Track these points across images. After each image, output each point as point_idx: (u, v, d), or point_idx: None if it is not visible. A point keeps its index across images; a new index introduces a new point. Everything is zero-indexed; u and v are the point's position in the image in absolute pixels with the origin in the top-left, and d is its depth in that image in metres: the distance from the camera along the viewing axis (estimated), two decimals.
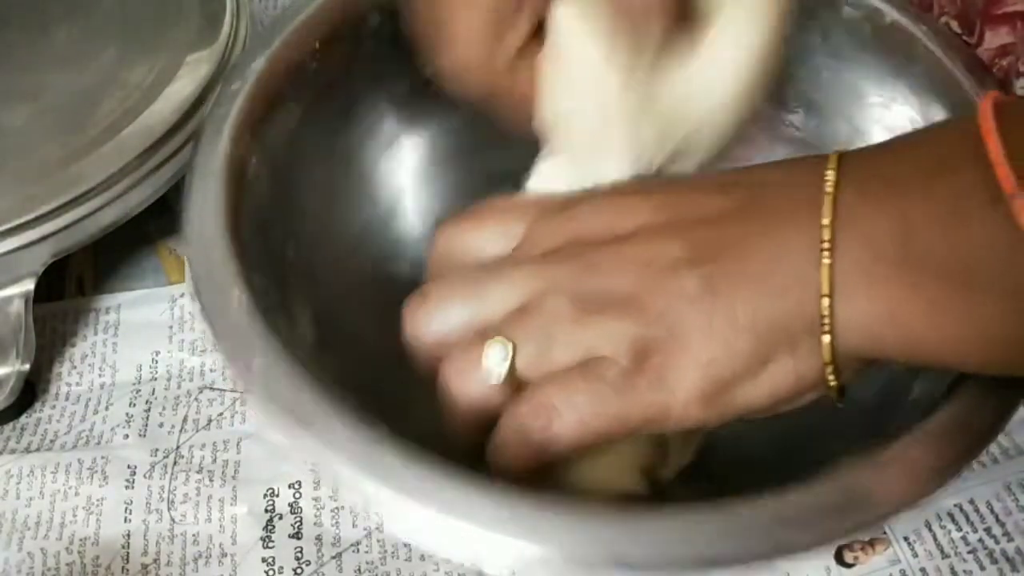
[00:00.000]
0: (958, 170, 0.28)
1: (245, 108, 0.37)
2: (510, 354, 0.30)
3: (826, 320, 0.28)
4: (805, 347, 0.29)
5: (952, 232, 0.27)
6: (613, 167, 0.34)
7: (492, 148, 0.44)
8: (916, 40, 0.40)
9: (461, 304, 0.32)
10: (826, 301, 0.28)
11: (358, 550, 0.40)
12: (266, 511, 0.41)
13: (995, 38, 0.46)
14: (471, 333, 0.31)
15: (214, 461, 0.43)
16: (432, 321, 0.32)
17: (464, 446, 0.33)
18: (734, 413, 0.30)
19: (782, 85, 0.42)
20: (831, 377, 0.29)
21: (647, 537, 0.28)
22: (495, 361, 0.30)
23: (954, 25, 0.47)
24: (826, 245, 0.28)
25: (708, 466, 0.37)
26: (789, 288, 0.29)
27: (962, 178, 0.27)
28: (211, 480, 0.42)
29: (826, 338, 0.29)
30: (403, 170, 0.44)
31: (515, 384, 0.31)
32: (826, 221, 0.28)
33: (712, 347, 0.29)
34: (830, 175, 0.29)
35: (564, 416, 0.30)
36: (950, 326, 0.28)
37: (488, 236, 0.34)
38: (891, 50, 0.40)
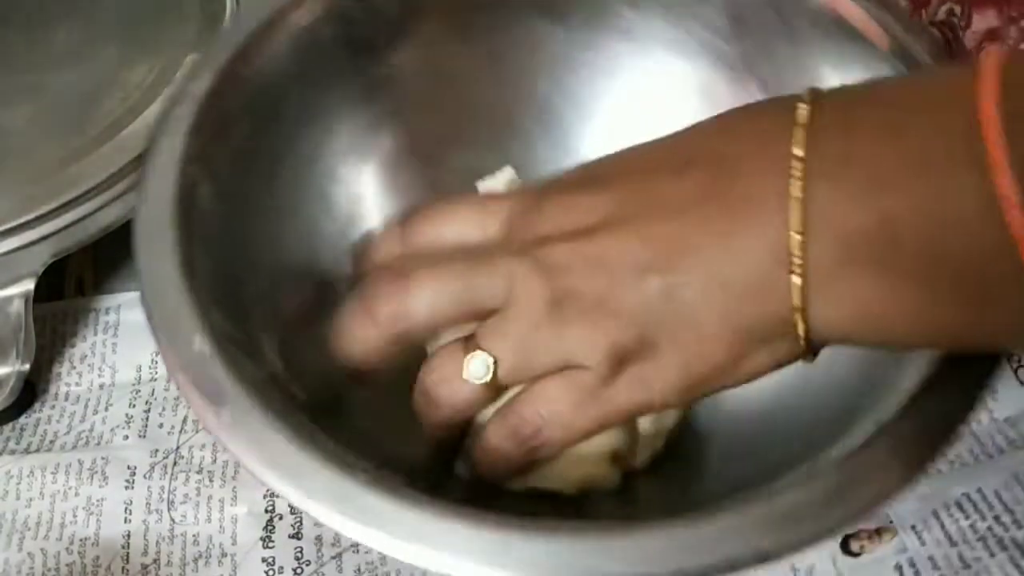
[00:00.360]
0: (949, 168, 0.26)
1: (191, 133, 0.36)
2: (491, 367, 0.32)
3: (799, 325, 0.28)
4: (778, 343, 0.29)
5: (938, 238, 0.26)
6: None
7: (452, 145, 0.44)
8: (877, 27, 0.38)
9: (448, 297, 0.32)
10: (798, 314, 0.28)
11: (358, 550, 0.40)
12: (266, 511, 0.41)
13: (982, 21, 0.45)
14: (452, 341, 0.33)
15: (214, 461, 0.43)
16: (421, 303, 0.32)
17: (439, 443, 0.35)
18: (713, 393, 0.31)
19: (741, 73, 0.42)
20: (808, 358, 0.30)
21: (622, 554, 0.28)
22: (477, 374, 0.32)
23: (957, 10, 0.46)
24: (797, 259, 0.27)
25: (677, 447, 0.37)
26: (756, 294, 0.28)
27: (955, 181, 0.26)
28: (211, 480, 0.42)
29: (800, 340, 0.29)
30: (362, 176, 0.43)
31: (495, 388, 0.32)
32: (796, 229, 0.27)
33: (683, 352, 0.30)
34: (797, 166, 0.27)
35: (552, 423, 0.31)
36: (927, 324, 0.28)
37: (461, 226, 0.34)
38: (852, 37, 0.39)
